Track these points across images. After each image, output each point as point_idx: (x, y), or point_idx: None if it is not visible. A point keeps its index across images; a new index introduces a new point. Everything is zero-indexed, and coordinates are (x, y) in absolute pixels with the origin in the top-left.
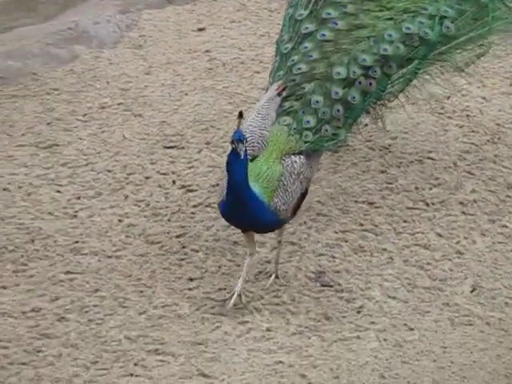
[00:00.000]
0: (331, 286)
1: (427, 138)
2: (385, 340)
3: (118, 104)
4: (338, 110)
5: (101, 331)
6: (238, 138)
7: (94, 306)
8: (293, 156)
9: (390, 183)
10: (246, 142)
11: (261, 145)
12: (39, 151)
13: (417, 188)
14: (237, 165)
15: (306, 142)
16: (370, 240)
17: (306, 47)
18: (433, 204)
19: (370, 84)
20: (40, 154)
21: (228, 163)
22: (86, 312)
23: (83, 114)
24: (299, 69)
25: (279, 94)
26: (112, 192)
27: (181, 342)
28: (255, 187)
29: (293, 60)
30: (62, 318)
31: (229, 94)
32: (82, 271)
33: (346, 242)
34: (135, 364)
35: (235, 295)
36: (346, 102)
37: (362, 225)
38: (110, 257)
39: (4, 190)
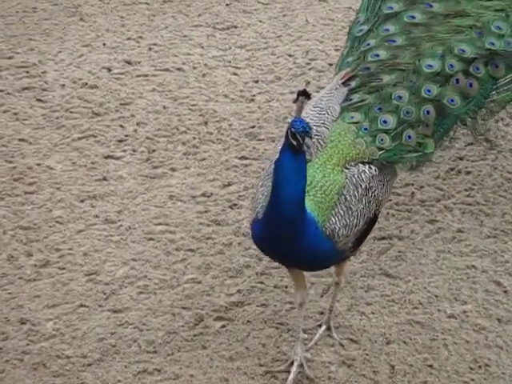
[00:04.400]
0: None
1: None
2: None
3: None
4: (428, 113)
5: None
6: (303, 130)
7: None
8: (361, 165)
9: None
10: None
11: (316, 146)
12: (216, 32)
13: None
14: (295, 171)
15: (380, 149)
16: None
17: (387, 30)
18: None
19: (471, 85)
20: (217, 35)
21: (280, 167)
22: None
23: None
24: (376, 55)
25: (345, 84)
26: (292, 77)
27: None
28: (306, 200)
29: (368, 44)
30: (235, 204)
31: None
32: (257, 157)
33: None
34: None
35: (294, 367)
36: (440, 105)
37: None
38: None
39: (178, 69)
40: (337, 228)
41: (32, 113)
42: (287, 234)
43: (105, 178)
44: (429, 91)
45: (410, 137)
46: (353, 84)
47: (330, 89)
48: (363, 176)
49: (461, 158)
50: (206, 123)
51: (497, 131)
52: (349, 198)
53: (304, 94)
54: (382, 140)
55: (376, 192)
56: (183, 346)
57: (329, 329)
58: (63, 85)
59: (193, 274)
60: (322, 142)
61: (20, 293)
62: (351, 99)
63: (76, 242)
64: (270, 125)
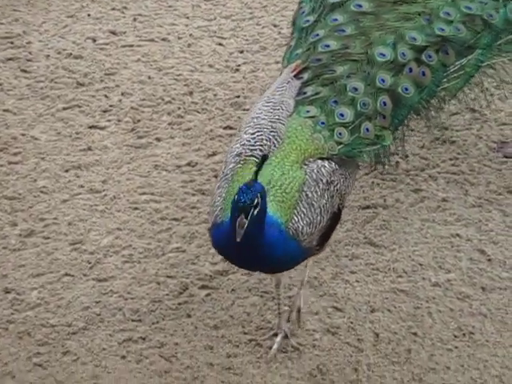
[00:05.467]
0: None
1: None
2: None
3: None
4: (385, 104)
5: None
6: (243, 205)
7: None
8: (319, 160)
9: None
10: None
11: (272, 142)
12: (201, 2)
13: None
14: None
15: (339, 144)
16: None
17: (335, 19)
18: None
19: (424, 74)
20: (202, 6)
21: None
22: None
23: None
24: (327, 46)
25: (297, 77)
26: (278, 47)
27: (347, 207)
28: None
29: (317, 35)
30: None
31: None
32: None
33: None
34: None
35: (279, 337)
36: (395, 94)
37: None
38: None
39: (163, 40)
40: (300, 226)
41: (16, 83)
42: (251, 241)
43: (89, 148)
44: (383, 81)
45: (367, 129)
46: (305, 76)
47: (281, 82)
48: (323, 171)
49: (445, 128)
50: (191, 93)
51: (482, 101)
52: (310, 195)
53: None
54: (340, 134)
55: (338, 186)
56: (168, 314)
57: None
58: (48, 55)
59: (177, 243)
60: (278, 139)
61: (4, 262)
62: (305, 92)
63: (61, 212)
64: (255, 95)
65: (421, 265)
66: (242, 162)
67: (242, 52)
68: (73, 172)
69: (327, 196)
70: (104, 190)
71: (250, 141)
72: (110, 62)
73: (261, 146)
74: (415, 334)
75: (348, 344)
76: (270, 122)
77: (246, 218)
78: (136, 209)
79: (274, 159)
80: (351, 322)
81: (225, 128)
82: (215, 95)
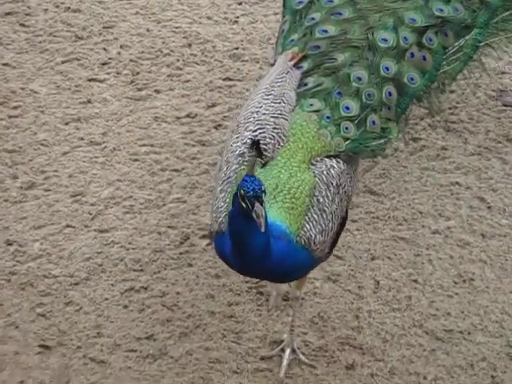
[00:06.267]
0: None
1: None
2: None
3: None
4: (390, 94)
5: None
6: (253, 194)
7: None
8: (327, 159)
9: None
10: (265, 195)
11: (277, 140)
12: None
13: None
14: (250, 239)
15: (346, 139)
16: None
17: (330, 1)
18: None
19: (425, 58)
20: None
21: (232, 233)
22: None
23: None
24: (325, 31)
25: (296, 66)
26: None
27: None
28: (272, 209)
29: (313, 18)
30: (219, 125)
31: None
32: (241, 78)
33: None
34: None
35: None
36: (400, 84)
37: None
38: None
39: None
40: (312, 235)
41: (15, 37)
42: (258, 254)
43: (89, 101)
44: (387, 69)
45: (374, 122)
46: (305, 66)
47: (280, 73)
48: (333, 172)
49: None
50: (189, 45)
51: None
52: (321, 200)
53: (256, 147)
54: (346, 129)
55: (346, 188)
56: (169, 264)
57: (293, 351)
58: (46, 9)
59: (178, 194)
60: (282, 136)
61: (6, 215)
62: (306, 84)
63: (61, 164)
64: (254, 46)
65: (421, 213)
66: (245, 163)
67: (240, 4)
68: (73, 125)
69: (337, 200)
70: (104, 142)
71: (251, 139)
72: (108, 15)
73: (264, 144)
74: (415, 280)
75: (349, 291)
76: (272, 117)
77: (261, 204)
78: (136, 160)
79: (279, 159)
80: (352, 270)
81: (224, 79)
82: (214, 47)
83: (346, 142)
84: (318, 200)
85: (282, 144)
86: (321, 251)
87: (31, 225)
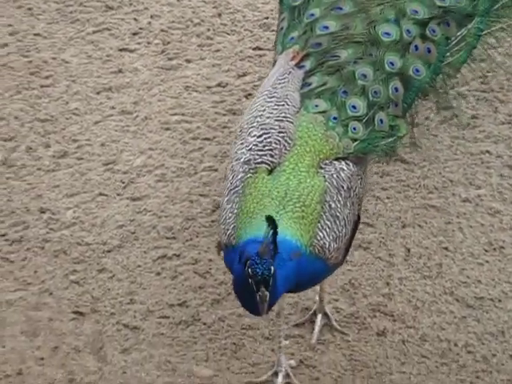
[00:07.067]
0: None
1: None
2: None
3: None
4: (397, 90)
5: None
6: (261, 277)
7: None
8: (336, 162)
9: None
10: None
11: (283, 145)
12: None
13: None
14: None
15: (354, 140)
16: None
17: None
18: None
19: (429, 50)
20: None
21: (238, 280)
22: None
23: None
24: (326, 27)
25: (298, 65)
26: None
27: None
28: (282, 221)
29: (312, 14)
30: (250, 94)
31: None
32: (271, 48)
33: None
34: None
35: (280, 377)
36: (406, 78)
37: None
38: None
39: None
40: (327, 243)
41: (46, 8)
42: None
43: (120, 71)
44: (392, 64)
45: (382, 121)
46: (307, 65)
47: (282, 73)
48: (343, 175)
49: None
50: (219, 15)
51: None
52: (333, 205)
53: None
54: (354, 129)
55: (357, 190)
56: (201, 231)
57: (326, 315)
58: None
59: (209, 162)
60: (288, 140)
61: (39, 183)
62: (310, 83)
63: (93, 133)
64: None
65: (451, 181)
66: (251, 171)
67: None
68: (104, 94)
69: (349, 204)
70: (135, 112)
71: (257, 145)
72: None
73: (270, 150)
74: (446, 248)
75: (380, 259)
76: (277, 120)
77: (267, 289)
78: (168, 129)
79: (287, 165)
80: (382, 238)
81: (254, 49)
82: (244, 17)
83: (355, 143)
84: (329, 206)
85: (288, 148)
86: (336, 258)
87: (64, 193)
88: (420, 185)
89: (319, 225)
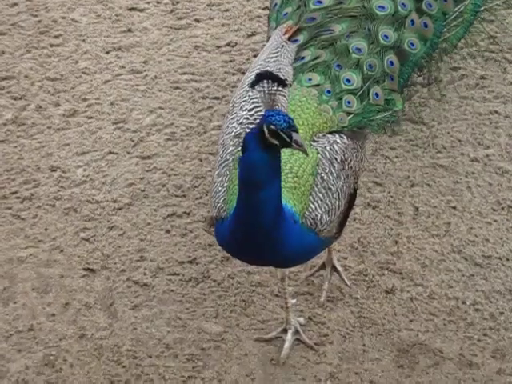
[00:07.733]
0: None
1: None
2: None
3: None
4: (392, 63)
5: None
6: (288, 125)
7: None
8: (329, 135)
9: None
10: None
11: None
12: None
13: None
14: (271, 174)
15: (349, 114)
16: None
17: None
18: None
19: (426, 25)
20: None
21: (252, 171)
22: None
23: None
24: (319, 2)
25: (291, 40)
26: None
27: None
28: None
29: None
30: (258, 54)
31: None
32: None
33: None
34: None
35: (289, 335)
36: (401, 51)
37: None
38: None
39: None
40: (318, 215)
41: None
42: (263, 238)
43: (129, 30)
44: (386, 37)
45: (377, 94)
46: (300, 39)
47: (275, 47)
48: (336, 147)
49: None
50: None
51: None
52: (326, 177)
53: (282, 84)
54: (349, 103)
55: (352, 163)
56: None
57: (335, 270)
58: None
59: (219, 121)
60: None
61: (49, 141)
62: (303, 57)
63: (103, 92)
64: None
65: (460, 141)
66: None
67: None
68: (113, 53)
69: (343, 177)
70: (145, 71)
71: (248, 118)
72: None
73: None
74: (454, 207)
75: (388, 217)
76: (269, 94)
77: (297, 131)
78: (177, 88)
79: None
80: (391, 196)
81: (263, 9)
82: None
83: (349, 117)
84: (322, 178)
85: None
86: (328, 232)
87: (74, 151)
88: (429, 144)
89: (311, 197)
